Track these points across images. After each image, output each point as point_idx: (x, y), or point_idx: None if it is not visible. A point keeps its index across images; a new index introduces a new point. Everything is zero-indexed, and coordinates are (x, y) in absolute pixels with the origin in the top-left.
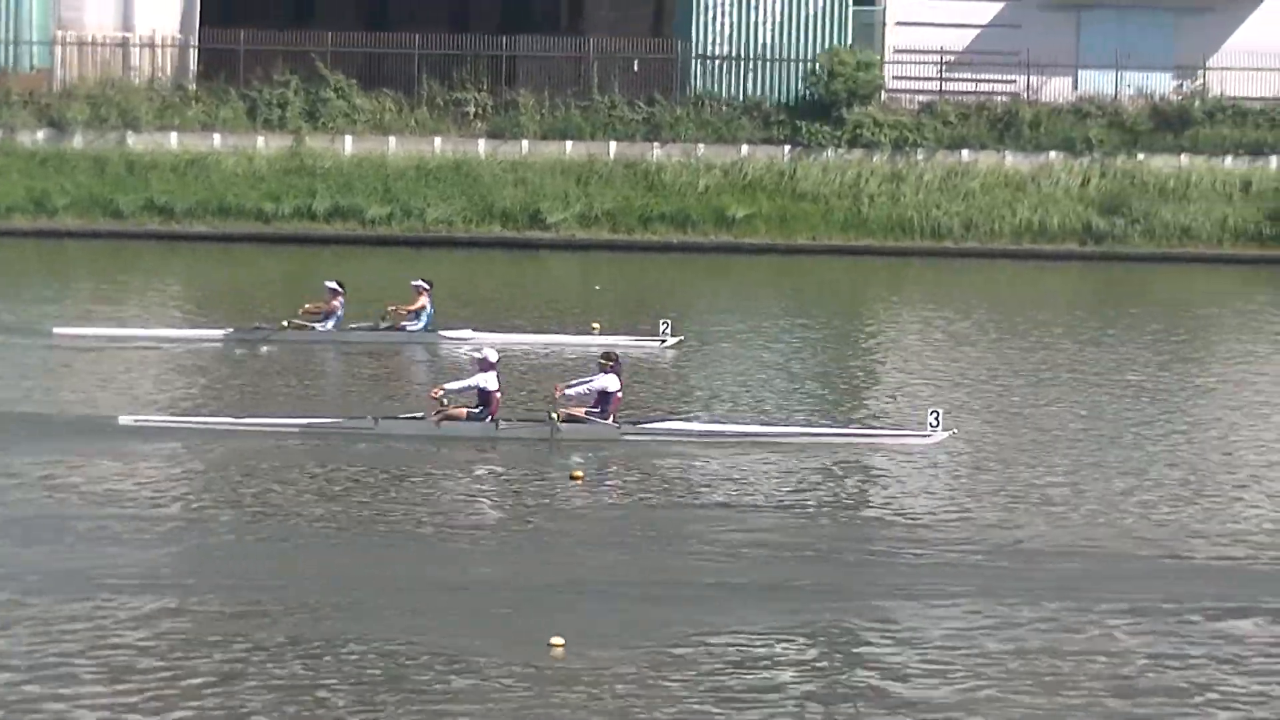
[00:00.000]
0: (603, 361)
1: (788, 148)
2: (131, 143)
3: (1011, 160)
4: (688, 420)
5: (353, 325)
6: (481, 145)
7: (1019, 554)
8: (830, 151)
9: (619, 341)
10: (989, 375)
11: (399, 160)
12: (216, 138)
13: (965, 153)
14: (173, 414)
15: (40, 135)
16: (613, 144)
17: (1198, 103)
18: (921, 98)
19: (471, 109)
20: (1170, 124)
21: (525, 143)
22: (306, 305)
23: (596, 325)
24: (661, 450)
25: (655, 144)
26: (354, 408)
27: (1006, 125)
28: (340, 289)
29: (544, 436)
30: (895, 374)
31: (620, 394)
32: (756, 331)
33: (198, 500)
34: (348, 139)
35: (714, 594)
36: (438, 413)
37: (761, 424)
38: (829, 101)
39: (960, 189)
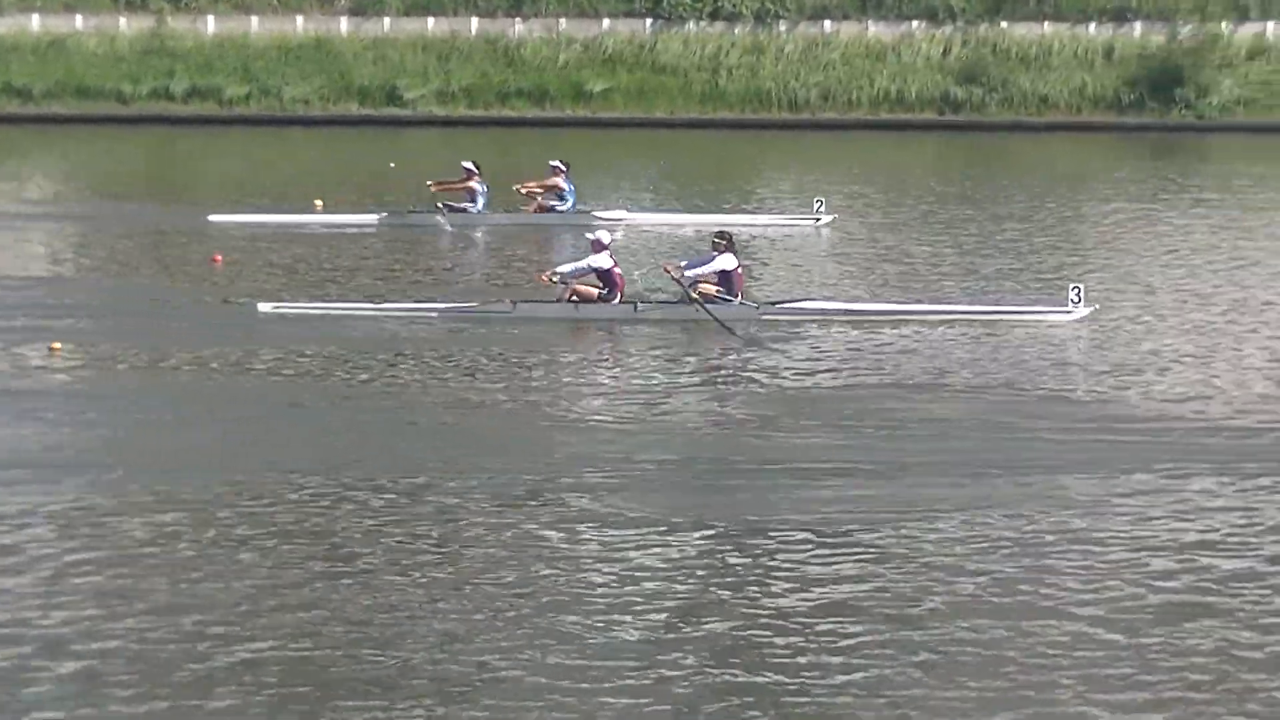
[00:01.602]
0: (717, 241)
1: (650, 20)
2: None
3: (874, 30)
4: (827, 299)
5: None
6: (344, 23)
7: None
8: (692, 24)
9: (772, 221)
10: (1095, 248)
11: (261, 39)
12: (79, 19)
13: (828, 23)
14: (312, 301)
15: None
16: (474, 20)
17: None
18: None
19: None
20: None
21: (387, 20)
22: (439, 181)
23: (319, 202)
24: (798, 329)
25: (517, 19)
26: (498, 291)
27: None
28: (476, 169)
29: (686, 318)
30: (1012, 250)
31: (740, 271)
32: (875, 209)
33: (324, 386)
34: (210, 19)
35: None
36: (566, 292)
37: (901, 302)
38: None
39: (820, 60)
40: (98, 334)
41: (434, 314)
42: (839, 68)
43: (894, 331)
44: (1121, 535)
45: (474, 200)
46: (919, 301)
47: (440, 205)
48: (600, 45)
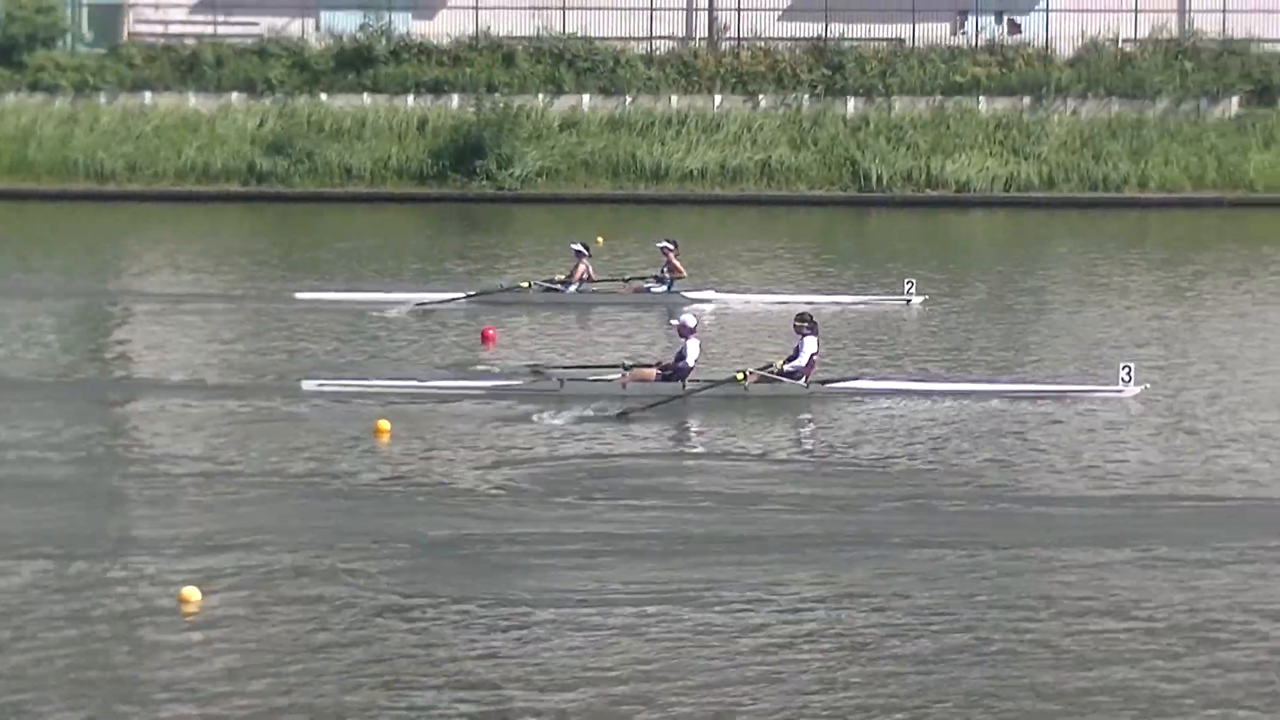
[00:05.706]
0: (799, 324)
1: None
2: None
3: (195, 101)
4: (877, 378)
5: (595, 287)
6: None
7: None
8: (11, 95)
9: (860, 300)
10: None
11: None
12: None
13: (148, 95)
14: (357, 378)
15: None
16: None
17: (383, 42)
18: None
19: None
20: (353, 63)
21: None
22: (557, 276)
23: None
24: (851, 408)
25: None
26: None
27: (190, 67)
28: (586, 250)
29: (732, 395)
30: (1067, 328)
31: (816, 356)
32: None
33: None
34: None
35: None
36: (626, 374)
37: (952, 380)
38: (8, 45)
39: (134, 131)
40: None
41: (480, 390)
42: (151, 139)
43: (943, 408)
44: None
45: (570, 284)
46: (968, 380)
47: (530, 284)
48: None
